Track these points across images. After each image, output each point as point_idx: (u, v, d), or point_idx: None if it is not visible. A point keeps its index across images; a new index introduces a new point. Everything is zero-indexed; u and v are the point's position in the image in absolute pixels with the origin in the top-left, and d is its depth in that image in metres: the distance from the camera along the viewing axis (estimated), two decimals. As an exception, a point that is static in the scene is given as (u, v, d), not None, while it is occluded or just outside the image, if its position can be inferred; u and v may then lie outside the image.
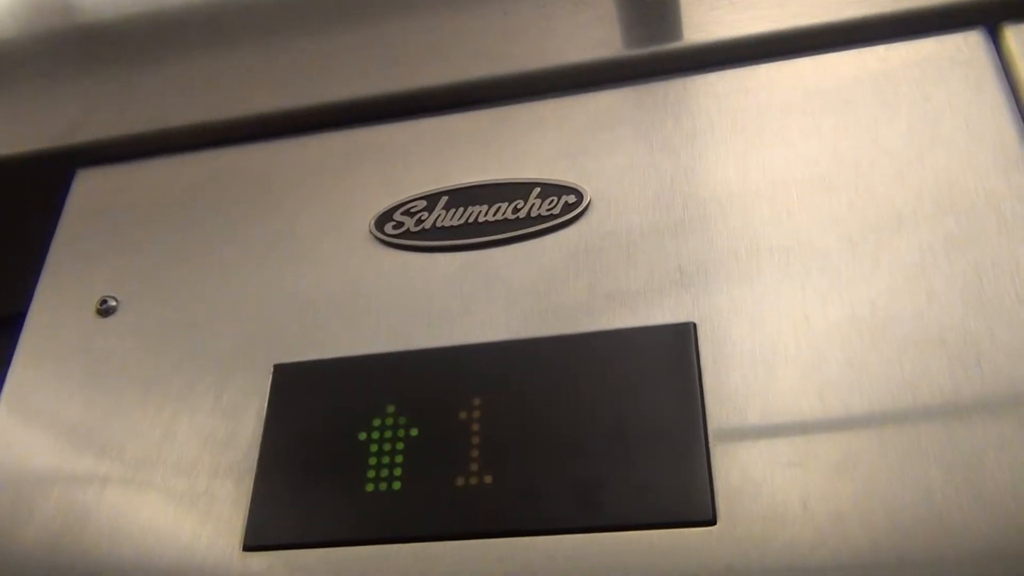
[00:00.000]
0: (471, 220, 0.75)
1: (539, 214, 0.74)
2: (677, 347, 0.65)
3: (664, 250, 0.70)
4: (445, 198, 0.77)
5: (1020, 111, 0.68)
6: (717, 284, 0.68)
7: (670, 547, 0.59)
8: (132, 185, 0.87)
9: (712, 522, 0.59)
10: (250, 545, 0.66)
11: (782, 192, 0.70)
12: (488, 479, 0.64)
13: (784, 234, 0.68)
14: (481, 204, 0.76)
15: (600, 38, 0.79)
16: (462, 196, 0.77)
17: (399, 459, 0.66)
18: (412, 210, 0.77)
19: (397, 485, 0.65)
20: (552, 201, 0.74)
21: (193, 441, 0.72)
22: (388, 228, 0.77)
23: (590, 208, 0.74)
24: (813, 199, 0.69)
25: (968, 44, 0.71)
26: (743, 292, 0.67)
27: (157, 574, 0.67)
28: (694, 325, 0.66)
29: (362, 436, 0.68)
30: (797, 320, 0.65)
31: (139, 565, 0.67)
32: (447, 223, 0.76)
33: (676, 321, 0.67)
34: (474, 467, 0.64)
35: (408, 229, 0.77)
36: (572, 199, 0.74)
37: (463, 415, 0.67)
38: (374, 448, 0.67)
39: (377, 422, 0.68)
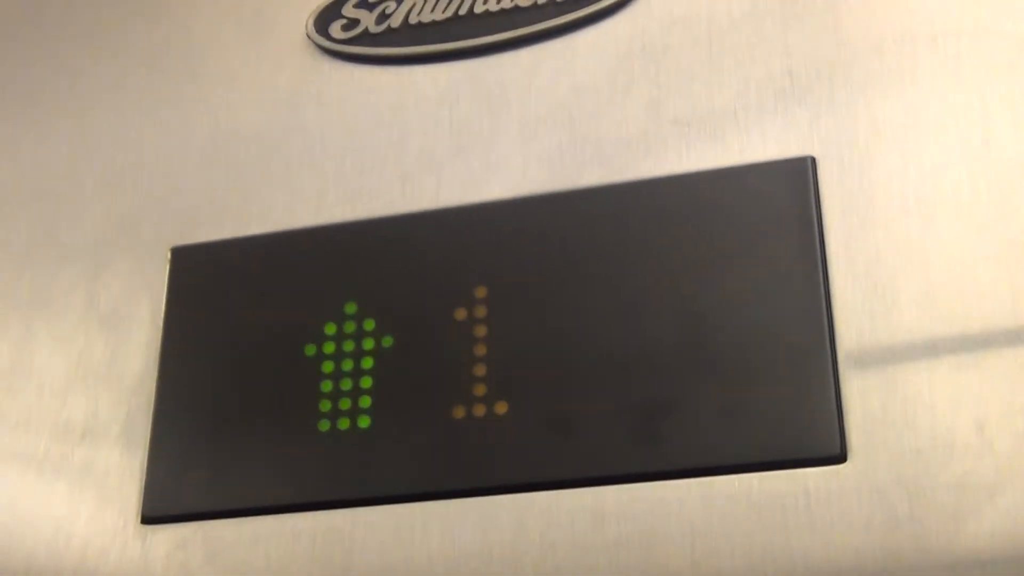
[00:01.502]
0: (464, 11, 0.74)
1: (568, -5, 0.72)
2: (787, 194, 0.65)
3: (765, 43, 0.69)
4: (423, -22, 0.74)
5: None
6: (848, 94, 0.66)
7: (774, 498, 0.59)
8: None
9: (841, 458, 0.59)
10: (151, 515, 0.67)
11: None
12: (501, 408, 0.64)
13: (956, 11, 0.67)
14: (479, -16, 0.73)
15: None
16: (449, -27, 0.73)
17: (366, 383, 0.66)
18: (370, -1, 0.74)
19: (364, 421, 0.65)
20: (588, -26, 0.71)
21: (59, 365, 0.72)
22: (335, 30, 0.76)
23: (648, -19, 0.71)
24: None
25: None
26: (890, 105, 0.66)
27: (18, 565, 0.68)
28: (813, 160, 0.65)
29: (309, 350, 0.68)
30: (974, 147, 0.63)
31: (-11, 552, 0.69)
32: (427, 17, 0.75)
33: (785, 157, 0.66)
34: (479, 391, 0.64)
35: (366, 30, 0.76)
36: (620, -31, 0.71)
37: (461, 314, 0.66)
38: (328, 367, 0.67)
39: (331, 329, 0.68)
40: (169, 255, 0.73)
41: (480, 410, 0.64)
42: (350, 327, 0.68)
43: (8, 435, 0.72)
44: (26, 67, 0.83)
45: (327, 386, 0.67)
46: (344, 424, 0.66)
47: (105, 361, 0.72)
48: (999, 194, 0.62)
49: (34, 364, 0.73)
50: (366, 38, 0.75)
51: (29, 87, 0.82)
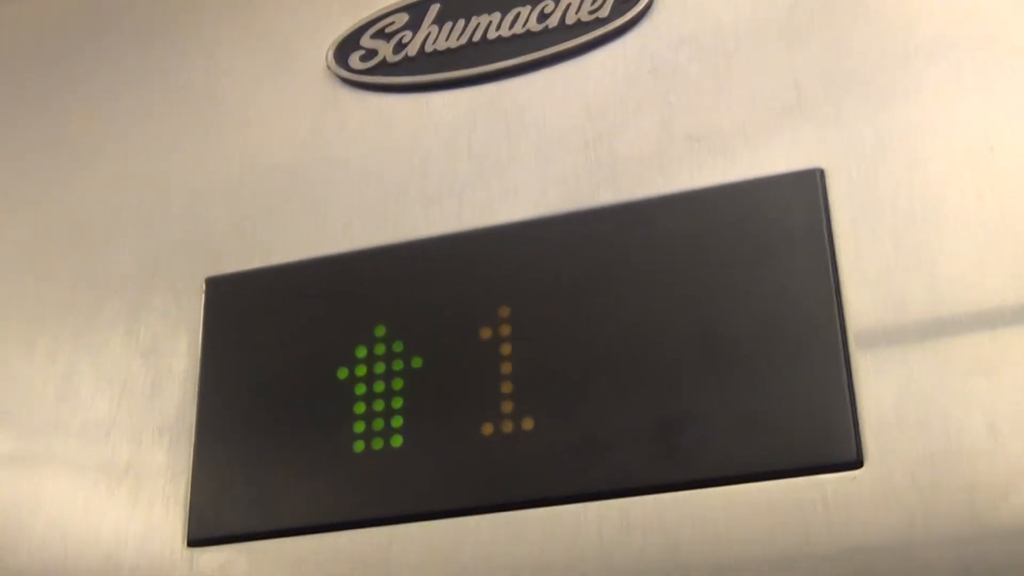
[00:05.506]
0: (478, 38, 0.75)
1: (578, 19, 0.74)
2: (797, 207, 0.65)
3: (771, 59, 0.70)
4: (436, 7, 0.77)
5: None
6: (854, 107, 0.67)
7: (794, 504, 0.60)
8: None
9: (857, 464, 0.60)
10: (197, 538, 0.68)
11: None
12: (528, 424, 0.65)
13: (959, 22, 0.67)
14: (491, 11, 0.76)
15: None
16: (461, 1, 0.76)
17: (398, 403, 0.67)
18: (388, 29, 0.77)
19: (397, 441, 0.67)
20: (597, -3, 0.72)
21: (103, 396, 0.74)
22: (354, 60, 0.77)
23: (656, 3, 0.73)
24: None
25: None
26: (895, 118, 0.66)
27: (69, 586, 0.69)
28: (821, 172, 0.66)
29: (342, 374, 0.69)
30: (979, 155, 0.64)
31: (43, 573, 0.70)
32: (442, 45, 0.76)
33: (794, 169, 0.66)
34: (506, 408, 0.65)
35: (384, 59, 0.77)
36: (628, -9, 0.72)
37: (486, 333, 0.67)
38: (361, 390, 0.68)
39: (362, 352, 0.69)
40: (204, 286, 0.74)
41: (508, 427, 0.65)
42: (380, 349, 0.69)
43: (57, 468, 0.73)
44: (59, 109, 0.84)
45: (360, 408, 0.68)
46: (378, 444, 0.66)
47: (147, 393, 0.73)
48: (1005, 201, 0.62)
49: (80, 400, 0.74)
50: (384, 67, 0.76)
51: (63, 129, 0.83)
